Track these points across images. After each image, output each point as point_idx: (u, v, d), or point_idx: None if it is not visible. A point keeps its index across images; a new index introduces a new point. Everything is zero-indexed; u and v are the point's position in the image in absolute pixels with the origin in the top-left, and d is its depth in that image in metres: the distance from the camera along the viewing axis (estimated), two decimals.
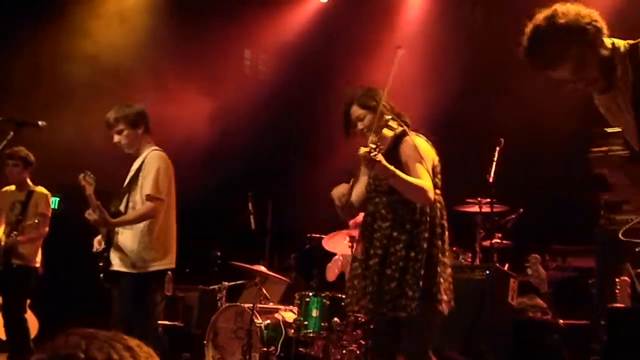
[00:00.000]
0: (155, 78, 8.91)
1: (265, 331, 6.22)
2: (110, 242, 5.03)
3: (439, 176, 4.11)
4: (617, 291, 4.61)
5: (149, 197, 4.93)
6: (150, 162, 5.01)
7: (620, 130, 2.87)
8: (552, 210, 7.60)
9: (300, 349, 6.08)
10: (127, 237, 4.98)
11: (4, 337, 6.94)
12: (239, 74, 10.55)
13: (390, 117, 3.99)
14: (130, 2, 8.94)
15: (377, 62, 9.26)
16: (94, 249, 5.14)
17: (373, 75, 8.94)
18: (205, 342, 6.58)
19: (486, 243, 6.68)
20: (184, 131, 8.57)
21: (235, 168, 9.54)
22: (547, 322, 5.55)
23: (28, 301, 6.83)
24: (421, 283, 3.85)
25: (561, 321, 5.43)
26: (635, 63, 2.86)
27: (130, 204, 5.03)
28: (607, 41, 2.88)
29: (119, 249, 4.99)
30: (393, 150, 3.97)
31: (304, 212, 8.88)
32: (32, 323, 7.22)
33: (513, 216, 6.97)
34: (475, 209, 6.76)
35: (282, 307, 6.72)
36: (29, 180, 6.47)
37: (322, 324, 5.80)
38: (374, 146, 3.70)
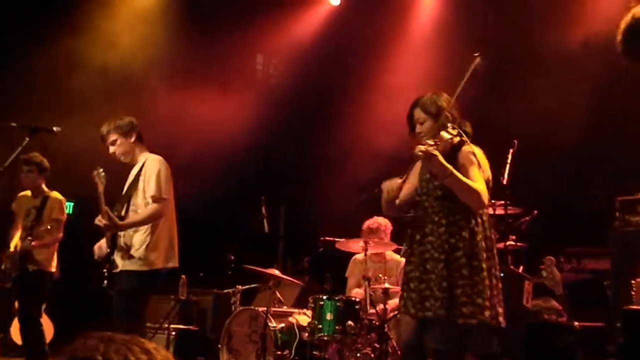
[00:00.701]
0: (169, 83, 8.95)
1: (280, 335, 6.23)
2: (115, 244, 5.19)
3: (489, 191, 4.12)
4: (632, 293, 4.59)
5: (154, 198, 5.12)
6: (151, 165, 5.23)
7: None
8: (567, 212, 7.56)
9: (315, 352, 6.08)
10: (130, 237, 5.15)
11: (20, 342, 6.98)
12: (251, 78, 10.58)
13: (450, 125, 3.98)
14: (142, 8, 8.99)
15: (389, 65, 9.28)
16: (96, 257, 5.27)
17: (385, 78, 8.97)
18: (219, 345, 6.60)
19: (500, 245, 6.63)
20: (197, 136, 8.60)
21: (248, 172, 9.56)
22: (563, 325, 5.51)
23: (44, 305, 6.87)
24: (488, 293, 3.92)
25: (576, 323, 5.39)
26: None
27: (132, 207, 5.21)
28: None
29: (123, 250, 5.14)
30: (451, 157, 3.97)
31: (317, 215, 8.89)
32: (48, 327, 7.26)
33: (527, 218, 6.93)
34: (489, 210, 6.73)
35: (296, 310, 6.73)
36: (44, 186, 6.50)
37: (337, 327, 5.80)
38: (432, 142, 3.76)
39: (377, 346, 5.86)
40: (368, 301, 6.01)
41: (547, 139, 7.57)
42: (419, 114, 4.15)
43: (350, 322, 5.79)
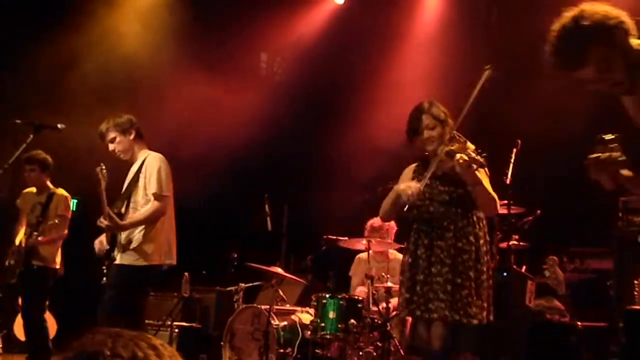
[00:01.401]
0: (173, 82, 8.96)
1: (282, 332, 6.24)
2: (115, 241, 5.22)
3: None
4: (635, 293, 4.59)
5: (155, 196, 5.14)
6: (151, 163, 5.26)
7: (616, 136, 2.86)
8: (570, 212, 7.56)
9: (317, 350, 6.09)
10: (130, 232, 5.17)
11: (23, 338, 7.00)
12: (255, 76, 10.58)
13: (455, 132, 4.20)
14: (146, 7, 9.00)
15: (393, 63, 9.28)
16: (97, 251, 5.29)
17: (389, 77, 8.97)
18: (222, 343, 6.61)
19: (503, 245, 6.64)
20: (201, 134, 8.61)
21: (251, 170, 9.57)
22: (565, 324, 5.51)
23: (47, 302, 6.89)
24: (488, 294, 4.20)
25: (579, 323, 5.39)
26: None
27: (132, 205, 5.24)
28: (635, 42, 2.83)
29: (122, 245, 5.16)
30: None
31: (320, 214, 8.89)
32: (51, 324, 7.27)
33: (530, 218, 6.92)
34: None
35: (298, 308, 6.74)
36: (49, 183, 6.52)
37: (339, 326, 5.80)
38: (473, 155, 3.95)
39: (380, 345, 5.86)
40: (371, 300, 6.01)
41: (550, 138, 7.56)
42: (428, 119, 4.31)
43: (352, 321, 5.79)
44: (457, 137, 4.12)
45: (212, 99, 8.89)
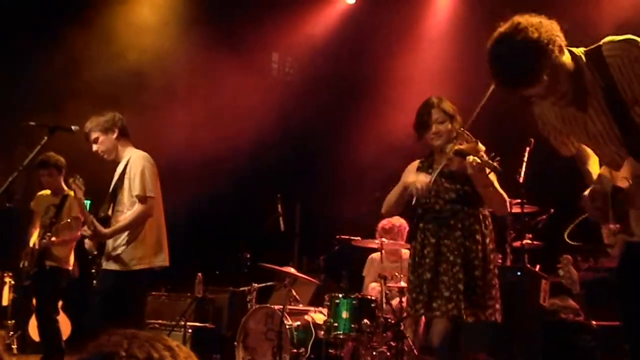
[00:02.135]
0: (185, 81, 8.99)
1: (296, 333, 6.24)
2: (102, 245, 5.12)
3: None
4: None
5: (139, 198, 5.00)
6: (135, 163, 5.10)
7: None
8: (584, 210, 7.50)
9: (330, 350, 6.08)
10: (116, 237, 5.06)
11: (37, 339, 7.04)
12: (266, 76, 10.59)
13: (463, 129, 4.15)
14: (159, 7, 9.02)
15: (405, 62, 9.26)
16: (87, 248, 5.27)
17: (402, 75, 8.95)
18: (235, 343, 6.61)
19: (517, 244, 6.62)
20: (213, 134, 8.62)
21: (264, 170, 9.58)
22: (580, 324, 5.49)
23: (60, 303, 6.92)
24: (494, 292, 4.18)
25: (594, 322, 5.37)
26: (601, 68, 2.77)
27: (118, 207, 5.11)
28: (567, 51, 2.80)
29: (110, 251, 5.07)
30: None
31: (333, 213, 8.89)
32: (65, 325, 7.32)
33: (544, 216, 6.90)
34: None
35: (311, 308, 6.74)
36: (63, 184, 6.54)
37: (352, 326, 5.80)
38: (485, 158, 3.91)
39: (393, 344, 5.85)
40: (384, 300, 6.01)
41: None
42: (438, 114, 4.29)
43: (366, 321, 5.79)
44: (467, 136, 4.08)
45: (224, 99, 8.91)
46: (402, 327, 5.85)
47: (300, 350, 6.17)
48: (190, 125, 8.66)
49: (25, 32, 8.14)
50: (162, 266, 5.16)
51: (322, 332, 6.06)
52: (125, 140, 5.25)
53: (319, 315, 6.41)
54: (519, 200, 6.42)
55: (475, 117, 4.14)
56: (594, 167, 3.22)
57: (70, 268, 6.57)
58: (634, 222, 2.95)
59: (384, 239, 6.42)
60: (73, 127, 5.16)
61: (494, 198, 4.19)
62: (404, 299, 6.19)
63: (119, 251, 5.03)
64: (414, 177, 4.25)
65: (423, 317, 5.53)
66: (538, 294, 5.73)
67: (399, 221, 6.71)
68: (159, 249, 5.14)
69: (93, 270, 5.20)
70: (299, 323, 6.35)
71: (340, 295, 5.96)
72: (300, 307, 6.86)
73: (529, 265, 6.22)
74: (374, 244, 6.51)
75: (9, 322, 7.49)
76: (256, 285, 7.24)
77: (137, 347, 1.35)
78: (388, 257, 6.68)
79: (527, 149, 6.25)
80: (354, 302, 5.87)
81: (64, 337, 6.70)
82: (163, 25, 8.91)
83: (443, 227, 4.21)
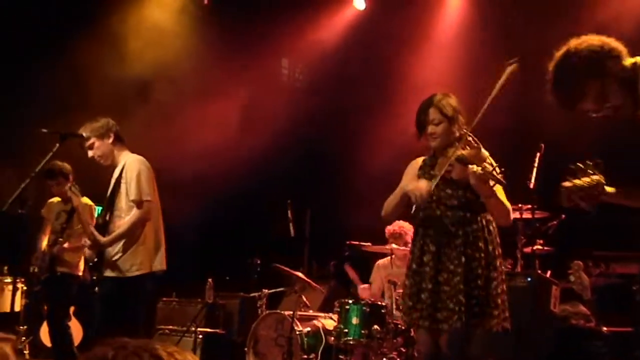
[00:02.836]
0: (195, 87, 9.02)
1: (306, 339, 6.25)
2: (102, 253, 5.10)
3: None
4: None
5: (135, 203, 4.99)
6: (131, 167, 5.09)
7: (594, 162, 2.92)
8: (595, 216, 7.48)
9: (340, 356, 6.08)
10: (116, 244, 5.04)
11: (49, 344, 7.07)
12: (276, 82, 10.62)
13: (466, 132, 3.97)
14: (168, 13, 9.06)
15: (415, 67, 9.26)
16: (87, 256, 5.27)
17: (412, 80, 8.95)
18: (246, 349, 6.62)
19: (527, 249, 6.61)
20: (224, 140, 8.65)
21: (274, 176, 9.59)
22: (591, 330, 5.46)
23: (72, 308, 6.95)
24: (500, 301, 3.99)
25: (605, 328, 5.34)
26: None
27: (116, 213, 5.10)
28: (628, 62, 2.90)
29: (110, 257, 5.05)
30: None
31: (343, 219, 8.90)
32: (77, 330, 7.34)
33: (555, 222, 6.88)
34: (516, 215, 6.69)
35: (321, 314, 6.74)
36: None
37: (362, 332, 5.79)
38: (489, 168, 3.77)
39: (403, 350, 5.85)
40: (394, 305, 6.00)
41: (575, 141, 7.50)
42: (435, 114, 4.07)
43: (376, 327, 5.78)
44: (471, 141, 3.89)
45: (235, 105, 8.94)
46: (412, 333, 5.84)
47: (311, 356, 6.17)
48: (200, 131, 8.69)
49: (36, 40, 8.19)
50: (161, 270, 5.13)
51: (332, 338, 6.05)
52: (121, 145, 5.26)
53: (329, 321, 6.42)
54: (529, 206, 6.41)
55: (481, 117, 3.95)
56: None
57: (81, 274, 6.60)
58: None
59: (393, 245, 6.42)
60: (84, 134, 5.20)
61: (497, 209, 3.99)
62: None
63: (118, 258, 5.01)
64: (414, 184, 4.05)
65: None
66: (549, 299, 5.70)
67: (408, 225, 6.69)
68: (157, 253, 5.12)
69: (94, 278, 5.17)
70: (309, 329, 6.36)
71: (351, 301, 5.95)
72: (311, 312, 6.87)
73: (539, 271, 6.20)
74: (384, 249, 6.52)
75: (21, 327, 7.52)
76: (266, 291, 7.25)
77: (122, 357, 1.35)
78: (396, 262, 6.68)
79: (538, 154, 6.25)
80: (364, 308, 5.87)
81: (76, 343, 6.73)
82: (173, 33, 8.95)
83: (444, 234, 4.01)
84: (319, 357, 6.17)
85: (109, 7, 8.55)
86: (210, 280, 7.38)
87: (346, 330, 5.85)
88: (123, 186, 5.07)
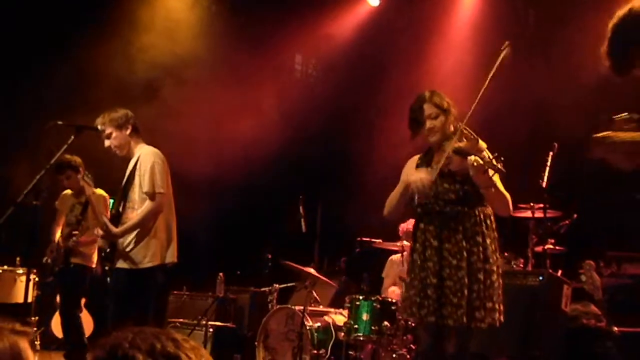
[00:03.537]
0: (207, 83, 9.03)
1: (316, 334, 6.26)
2: (114, 244, 5.13)
3: None
4: None
5: (148, 194, 5.01)
6: (145, 159, 5.11)
7: (630, 116, 2.79)
8: (607, 216, 7.47)
9: (350, 352, 6.10)
10: (128, 235, 5.07)
11: (60, 335, 7.12)
12: (290, 78, 10.62)
13: (461, 125, 3.98)
14: (181, 8, 9.08)
15: (428, 64, 9.25)
16: (99, 246, 5.28)
17: (424, 77, 8.95)
18: (256, 343, 6.64)
19: (539, 249, 6.60)
20: (236, 135, 8.67)
21: (286, 171, 9.61)
22: (602, 330, 5.45)
23: (83, 300, 6.99)
24: (497, 294, 4.02)
25: (616, 328, 5.33)
26: None
27: (129, 204, 5.12)
28: None
29: (122, 248, 5.08)
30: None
31: (354, 215, 8.91)
32: (87, 322, 7.39)
33: (566, 222, 6.87)
34: (528, 214, 6.69)
35: (332, 310, 6.76)
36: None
37: (373, 328, 5.80)
38: (489, 159, 3.74)
39: (413, 347, 5.86)
40: None
41: (588, 140, 7.48)
42: (431, 109, 4.11)
43: (386, 323, 5.79)
44: (467, 133, 3.90)
45: (247, 100, 8.95)
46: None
47: (321, 352, 6.18)
48: (213, 127, 8.71)
49: (50, 33, 8.22)
50: (172, 262, 5.15)
51: (342, 334, 6.06)
52: (138, 137, 5.29)
53: (339, 317, 6.43)
54: (541, 205, 6.41)
55: (476, 106, 3.91)
56: None
57: (94, 266, 6.64)
58: None
59: (405, 242, 6.43)
60: (99, 127, 5.22)
61: (497, 199, 4.00)
62: None
63: (130, 249, 5.03)
64: (415, 175, 4.07)
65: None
66: (560, 299, 5.70)
67: None
68: (169, 245, 5.14)
69: (106, 268, 5.21)
70: (319, 324, 6.37)
71: (361, 297, 5.96)
72: (321, 308, 6.89)
73: (551, 270, 6.19)
74: (395, 246, 6.52)
75: (33, 318, 7.57)
76: (277, 285, 7.27)
77: (141, 339, 1.42)
78: (408, 259, 6.67)
79: (551, 153, 6.24)
80: (374, 304, 5.87)
81: (86, 334, 6.77)
82: (186, 28, 8.98)
83: (444, 229, 4.03)
84: (329, 353, 6.18)
85: (122, 0, 8.59)
86: (221, 274, 7.42)
87: (356, 326, 5.86)
88: (137, 178, 5.08)
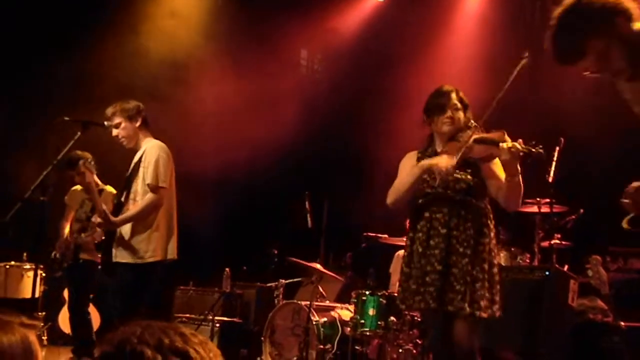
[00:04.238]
0: (212, 78, 9.04)
1: (322, 329, 6.27)
2: (112, 233, 5.12)
3: None
4: None
5: (151, 187, 5.00)
6: (151, 152, 5.11)
7: None
8: (613, 211, 7.45)
9: (357, 347, 6.10)
10: (127, 227, 5.06)
11: (67, 330, 7.15)
12: (295, 74, 10.62)
13: (476, 125, 4.04)
14: (186, 5, 9.09)
15: (434, 59, 9.24)
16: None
17: (431, 73, 8.93)
18: (262, 338, 6.66)
19: (545, 244, 6.60)
20: (241, 130, 8.68)
21: (292, 167, 9.61)
22: (608, 325, 5.45)
23: (91, 295, 7.01)
24: (497, 288, 4.04)
25: (622, 323, 5.33)
26: None
27: (131, 195, 5.12)
28: (638, 26, 2.69)
29: (120, 240, 5.06)
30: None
31: (360, 211, 8.91)
32: (94, 317, 7.41)
33: (573, 217, 6.86)
34: (534, 209, 6.69)
35: (338, 305, 6.76)
36: (96, 178, 6.59)
37: (379, 323, 5.81)
38: (520, 147, 3.74)
39: (419, 342, 5.86)
40: None
41: (595, 136, 7.47)
42: (456, 100, 4.16)
43: (392, 318, 5.80)
44: (481, 130, 3.95)
45: (253, 96, 8.95)
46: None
47: (327, 347, 6.19)
48: (219, 122, 8.72)
49: (57, 30, 8.23)
50: (172, 259, 5.14)
51: (349, 329, 6.07)
52: (146, 131, 5.28)
53: (345, 312, 6.43)
54: (548, 200, 6.40)
55: (495, 106, 3.99)
56: None
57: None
58: None
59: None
60: (106, 123, 5.22)
61: (515, 190, 3.97)
62: None
63: (132, 243, 5.02)
64: (435, 160, 4.06)
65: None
66: (567, 294, 5.69)
67: None
68: (170, 241, 5.13)
69: (101, 256, 5.20)
70: (325, 319, 6.38)
71: (367, 292, 5.96)
72: (327, 303, 6.89)
73: (557, 265, 6.19)
74: (401, 241, 6.51)
75: (40, 313, 7.60)
76: (283, 281, 7.28)
77: (149, 334, 1.42)
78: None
79: (557, 148, 6.23)
80: (380, 299, 5.88)
81: (94, 329, 6.80)
82: (191, 21, 8.98)
83: (453, 217, 4.03)
84: (335, 348, 6.19)
85: None
86: (227, 270, 7.43)
87: (362, 321, 5.87)
88: (141, 170, 5.09)
